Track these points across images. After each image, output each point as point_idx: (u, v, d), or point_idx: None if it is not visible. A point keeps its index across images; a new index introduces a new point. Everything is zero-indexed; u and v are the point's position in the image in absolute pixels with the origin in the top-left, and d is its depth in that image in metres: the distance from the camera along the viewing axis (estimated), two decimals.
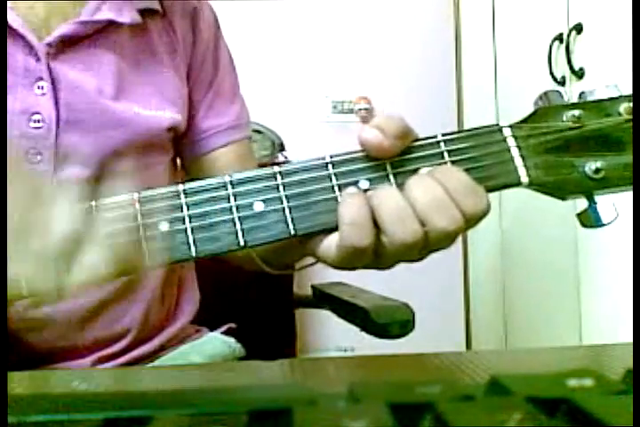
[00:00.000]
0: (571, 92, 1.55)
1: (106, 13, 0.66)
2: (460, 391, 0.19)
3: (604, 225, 0.46)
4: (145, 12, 0.70)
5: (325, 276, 1.31)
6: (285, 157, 1.98)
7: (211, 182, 0.45)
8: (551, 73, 1.62)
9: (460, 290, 2.20)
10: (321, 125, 2.14)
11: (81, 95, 0.64)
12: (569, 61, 1.56)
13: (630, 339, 0.44)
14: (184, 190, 0.45)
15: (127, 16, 0.67)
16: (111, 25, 0.67)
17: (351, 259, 0.44)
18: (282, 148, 1.99)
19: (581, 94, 0.47)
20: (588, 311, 1.56)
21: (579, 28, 1.55)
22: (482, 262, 2.13)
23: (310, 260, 0.53)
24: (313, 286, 1.16)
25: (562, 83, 1.60)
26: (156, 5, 0.71)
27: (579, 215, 0.47)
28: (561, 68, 1.61)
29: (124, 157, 0.66)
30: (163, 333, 0.72)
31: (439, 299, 2.13)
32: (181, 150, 0.76)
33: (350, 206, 0.43)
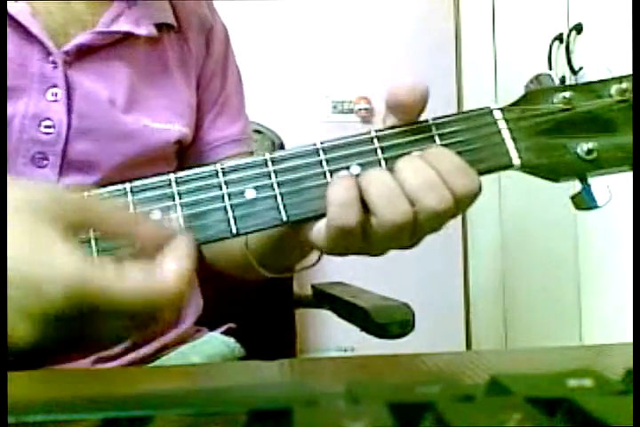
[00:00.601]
0: None
1: (123, 25, 0.67)
2: (460, 391, 0.19)
3: (597, 207, 0.46)
4: (161, 26, 0.70)
5: (325, 276, 1.31)
6: None
7: (202, 171, 0.45)
8: None
9: (460, 290, 2.20)
10: (321, 125, 2.14)
11: (93, 104, 0.65)
12: (569, 61, 1.56)
13: (630, 339, 0.44)
14: (175, 179, 0.45)
15: (144, 29, 0.68)
16: (128, 37, 0.67)
17: (340, 241, 0.43)
18: (282, 148, 1.99)
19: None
20: (588, 310, 1.56)
21: (579, 28, 1.55)
22: (482, 262, 2.13)
23: (309, 261, 0.53)
24: (313, 286, 1.16)
25: (562, 83, 1.60)
26: (172, 20, 0.72)
27: (572, 198, 0.46)
28: (561, 68, 1.61)
29: (129, 167, 0.66)
30: (165, 335, 0.72)
31: (439, 299, 2.13)
32: (184, 161, 0.76)
33: (338, 187, 0.43)
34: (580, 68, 1.53)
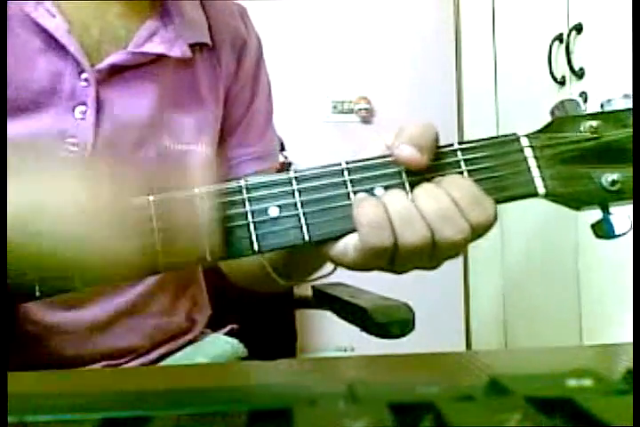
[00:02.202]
0: (571, 93, 1.55)
1: (157, 46, 0.65)
2: (460, 391, 0.19)
3: (617, 236, 0.46)
4: (194, 45, 0.69)
5: None
6: (285, 157, 1.98)
7: (226, 187, 0.45)
8: (551, 73, 1.62)
9: (460, 290, 2.21)
10: (321, 125, 2.14)
11: (119, 125, 0.64)
12: (569, 61, 1.56)
13: (630, 339, 0.44)
14: (199, 194, 0.44)
15: (178, 50, 0.66)
16: (160, 57, 0.66)
17: (369, 261, 0.43)
18: (282, 148, 1.98)
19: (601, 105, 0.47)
20: (588, 311, 1.56)
21: (579, 28, 1.55)
22: (482, 262, 2.13)
23: (325, 270, 0.53)
24: (313, 287, 1.15)
25: (562, 83, 1.60)
26: (207, 39, 0.70)
27: (593, 226, 0.47)
28: (561, 68, 1.61)
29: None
30: (174, 341, 0.72)
31: (439, 299, 2.13)
32: None
33: (367, 208, 0.43)
34: (581, 69, 1.54)
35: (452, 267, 2.17)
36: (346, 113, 2.16)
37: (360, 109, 2.13)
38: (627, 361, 0.34)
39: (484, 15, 2.05)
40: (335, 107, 2.16)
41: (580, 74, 1.54)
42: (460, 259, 2.21)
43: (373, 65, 2.16)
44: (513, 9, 1.91)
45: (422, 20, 2.20)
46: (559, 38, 1.61)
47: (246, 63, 0.75)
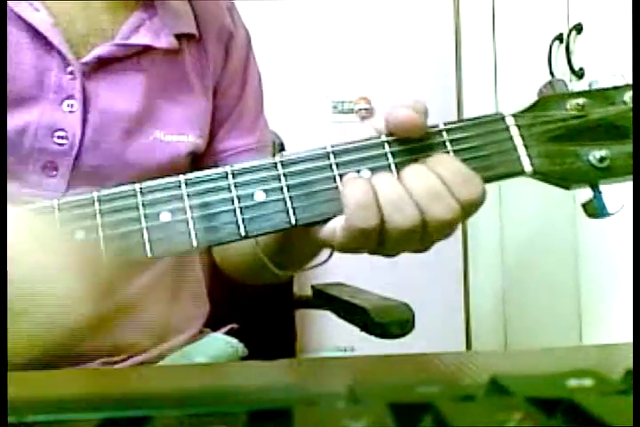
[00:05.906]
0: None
1: (143, 37, 0.66)
2: (460, 391, 0.19)
3: (609, 215, 0.45)
4: (181, 36, 0.69)
5: (325, 276, 1.31)
6: None
7: (211, 173, 0.45)
8: (551, 73, 1.62)
9: (460, 290, 2.20)
10: (321, 125, 2.14)
11: (108, 117, 0.64)
12: (569, 61, 1.56)
13: (630, 339, 0.44)
14: (185, 180, 0.45)
15: (164, 41, 0.67)
16: (147, 49, 0.66)
17: (356, 242, 0.43)
18: (282, 148, 1.98)
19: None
20: (587, 311, 1.56)
21: (579, 28, 1.55)
22: (482, 262, 2.13)
23: (320, 258, 0.53)
24: (313, 287, 1.16)
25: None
26: (194, 30, 0.71)
27: (583, 205, 0.46)
28: (561, 68, 1.61)
29: (140, 178, 0.65)
30: (172, 340, 0.72)
31: (439, 299, 2.13)
32: (198, 170, 0.75)
33: (355, 188, 0.43)
34: (581, 69, 1.54)
35: (452, 267, 2.17)
36: (346, 113, 2.15)
37: (360, 109, 2.13)
38: (627, 361, 0.34)
39: (484, 15, 2.05)
40: (335, 107, 2.16)
41: (580, 74, 1.54)
42: (460, 259, 2.21)
43: (373, 65, 2.16)
44: (513, 9, 1.91)
45: (422, 19, 2.20)
46: (559, 38, 1.61)
47: (234, 56, 0.76)
